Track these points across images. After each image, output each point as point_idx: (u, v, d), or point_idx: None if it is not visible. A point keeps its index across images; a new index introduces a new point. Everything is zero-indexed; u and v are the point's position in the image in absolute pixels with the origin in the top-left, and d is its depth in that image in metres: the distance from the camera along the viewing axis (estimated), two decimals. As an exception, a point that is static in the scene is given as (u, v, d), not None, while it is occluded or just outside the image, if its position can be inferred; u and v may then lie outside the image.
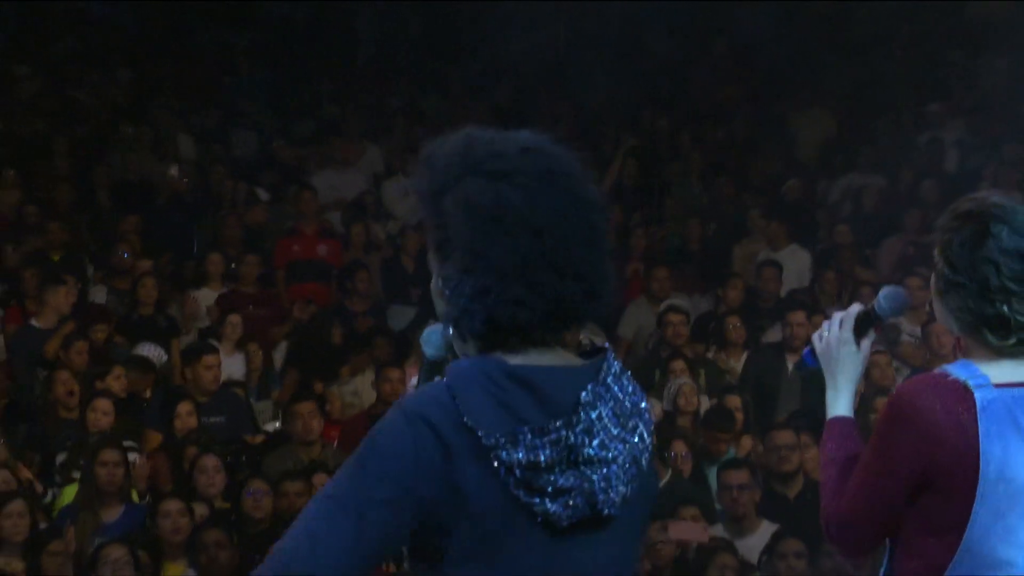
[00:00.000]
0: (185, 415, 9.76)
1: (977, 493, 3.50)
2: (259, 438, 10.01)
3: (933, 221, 12.94)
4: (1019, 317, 3.56)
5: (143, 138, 14.78)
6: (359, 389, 10.79)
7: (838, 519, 3.66)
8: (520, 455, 2.84)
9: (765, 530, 8.70)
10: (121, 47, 17.15)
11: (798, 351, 10.92)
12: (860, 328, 3.82)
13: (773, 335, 11.49)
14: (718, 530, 8.79)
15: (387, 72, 17.35)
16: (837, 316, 3.86)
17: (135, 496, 9.05)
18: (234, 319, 11.33)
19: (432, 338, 3.23)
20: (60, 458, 9.57)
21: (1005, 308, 3.56)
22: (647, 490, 3.04)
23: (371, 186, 14.33)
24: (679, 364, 10.45)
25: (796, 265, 12.74)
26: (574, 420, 2.89)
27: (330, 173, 14.26)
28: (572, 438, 2.87)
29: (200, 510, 8.64)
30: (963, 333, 3.64)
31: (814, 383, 10.58)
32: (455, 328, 2.99)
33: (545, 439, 2.85)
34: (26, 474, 9.12)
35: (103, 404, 9.61)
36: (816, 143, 15.82)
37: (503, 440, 2.84)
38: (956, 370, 3.58)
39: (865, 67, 16.55)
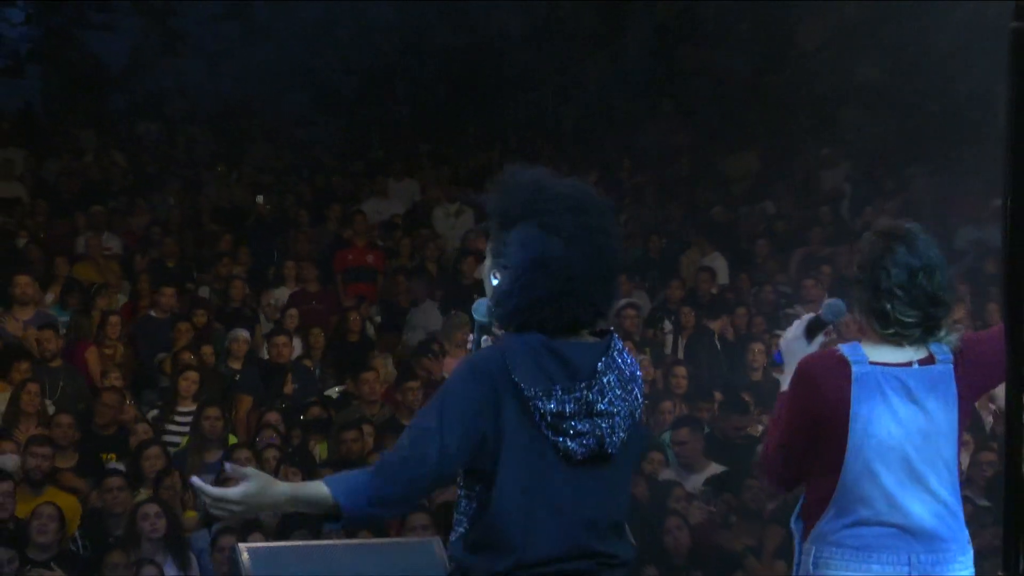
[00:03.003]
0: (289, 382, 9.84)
1: (848, 443, 3.53)
2: (314, 399, 10.00)
3: (830, 237, 12.93)
4: (899, 315, 3.56)
5: (235, 175, 14.86)
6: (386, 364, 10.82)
7: (765, 460, 3.72)
8: (552, 406, 2.96)
9: (712, 469, 8.77)
10: (217, 105, 17.21)
11: (726, 338, 11.00)
12: (811, 331, 3.82)
13: (708, 323, 11.54)
14: (671, 473, 8.85)
15: (419, 124, 17.41)
16: (796, 322, 3.85)
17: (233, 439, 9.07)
18: (293, 312, 11.28)
19: (480, 308, 3.27)
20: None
21: (889, 306, 3.56)
22: (639, 437, 3.14)
23: (407, 211, 14.36)
24: (628, 345, 10.46)
25: (717, 268, 12.74)
26: (592, 383, 3.01)
27: (376, 201, 14.29)
28: (590, 396, 2.99)
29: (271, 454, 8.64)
30: (860, 319, 3.67)
31: (737, 361, 10.71)
32: (498, 321, 3.11)
33: (571, 395, 2.98)
34: (143, 428, 9.13)
35: (192, 375, 9.59)
36: (743, 179, 15.86)
37: (540, 393, 2.96)
38: (844, 349, 3.61)
39: (781, 120, 16.56)
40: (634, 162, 15.88)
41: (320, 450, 8.86)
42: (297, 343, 10.87)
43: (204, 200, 14.05)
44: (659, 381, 10.23)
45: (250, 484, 2.84)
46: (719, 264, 12.82)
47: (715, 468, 8.76)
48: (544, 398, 2.95)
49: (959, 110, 14.54)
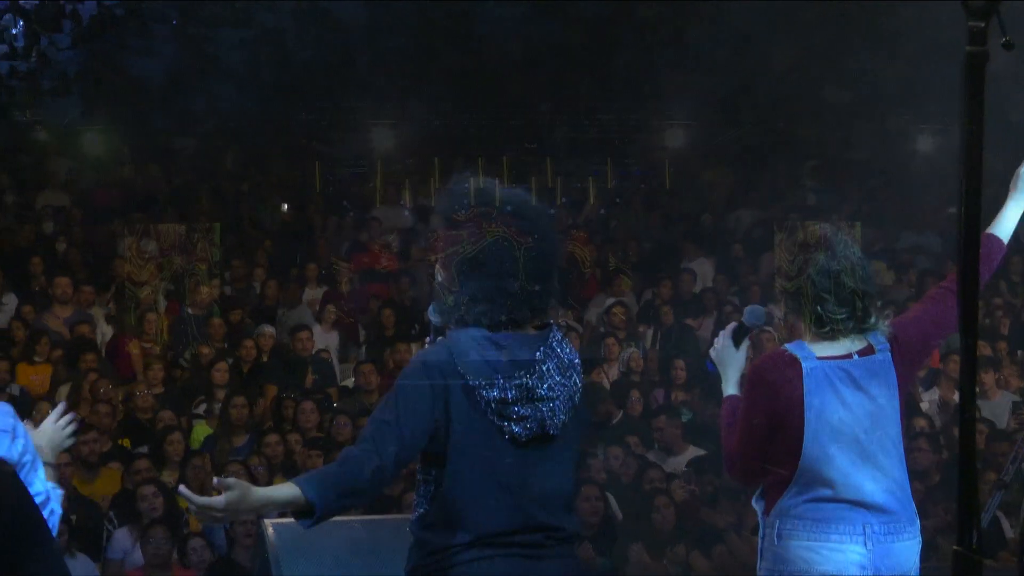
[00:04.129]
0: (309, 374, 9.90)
1: (805, 431, 3.59)
2: (333, 389, 10.02)
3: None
4: (831, 315, 3.62)
5: (261, 186, 14.84)
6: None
7: (731, 458, 3.74)
8: (495, 393, 2.97)
9: (691, 452, 8.76)
10: (246, 123, 17.16)
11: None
12: (736, 337, 3.87)
13: (689, 320, 11.53)
14: (653, 456, 8.83)
15: (427, 139, 17.39)
16: (721, 333, 3.91)
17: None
18: (330, 307, 11.32)
19: (435, 311, 3.27)
20: (203, 407, 9.57)
21: (820, 309, 3.62)
22: (580, 418, 3.14)
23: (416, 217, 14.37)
24: (611, 340, 10.52)
25: (703, 271, 12.76)
26: (532, 370, 3.01)
27: (387, 209, 14.29)
28: (530, 383, 2.99)
29: (296, 437, 8.65)
30: (796, 324, 3.74)
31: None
32: (439, 316, 3.11)
33: (512, 383, 2.98)
34: (168, 415, 9.10)
35: (222, 365, 9.62)
36: (720, 190, 15.84)
37: (484, 383, 2.97)
38: (792, 348, 3.67)
39: (756, 138, 16.56)
40: (622, 174, 15.87)
41: (348, 432, 8.81)
42: (333, 336, 10.88)
43: (233, 209, 14.02)
44: (648, 372, 10.23)
45: (232, 493, 2.82)
46: (706, 268, 12.80)
47: (694, 451, 8.75)
48: (487, 387, 2.96)
49: (917, 128, 14.55)
